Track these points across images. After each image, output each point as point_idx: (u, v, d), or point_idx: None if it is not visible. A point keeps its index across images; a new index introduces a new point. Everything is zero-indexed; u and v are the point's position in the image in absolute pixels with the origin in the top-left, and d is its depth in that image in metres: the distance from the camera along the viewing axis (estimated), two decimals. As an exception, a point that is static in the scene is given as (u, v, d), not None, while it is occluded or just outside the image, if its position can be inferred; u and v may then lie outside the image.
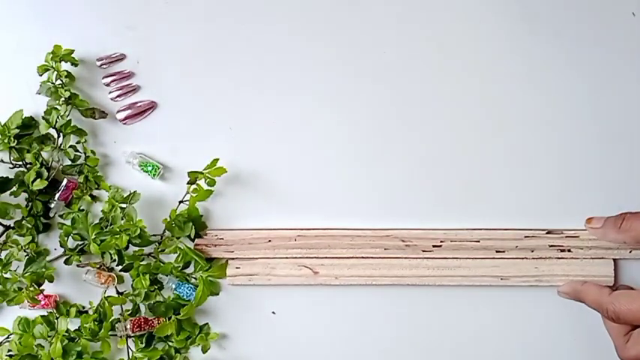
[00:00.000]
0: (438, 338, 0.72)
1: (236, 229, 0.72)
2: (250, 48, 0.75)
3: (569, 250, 0.71)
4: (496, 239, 0.71)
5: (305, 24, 0.75)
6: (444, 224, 0.72)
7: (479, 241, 0.71)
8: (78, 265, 0.70)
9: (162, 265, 0.70)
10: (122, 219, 0.69)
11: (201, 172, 0.70)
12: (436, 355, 0.72)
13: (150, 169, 0.72)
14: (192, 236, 0.70)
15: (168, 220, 0.70)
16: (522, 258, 0.71)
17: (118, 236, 0.67)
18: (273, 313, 0.72)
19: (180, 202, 0.71)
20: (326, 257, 0.72)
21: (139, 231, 0.68)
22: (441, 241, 0.72)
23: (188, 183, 0.70)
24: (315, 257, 0.72)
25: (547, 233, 0.71)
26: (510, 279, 0.71)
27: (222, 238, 0.72)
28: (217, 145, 0.73)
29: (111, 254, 0.69)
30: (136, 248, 0.70)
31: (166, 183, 0.73)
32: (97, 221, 0.70)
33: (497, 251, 0.71)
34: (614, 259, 0.71)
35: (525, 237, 0.71)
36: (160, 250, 0.70)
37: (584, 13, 0.75)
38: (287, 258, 0.72)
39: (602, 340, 0.70)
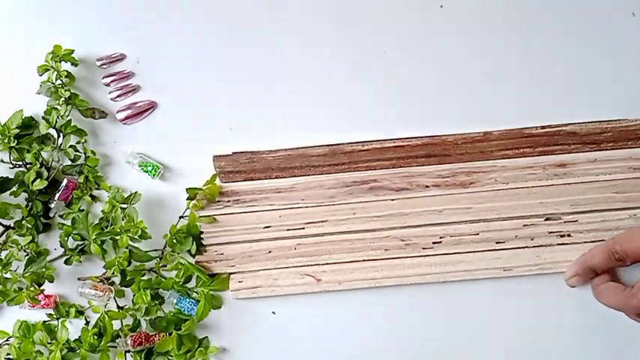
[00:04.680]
0: (445, 334, 0.72)
1: (235, 243, 0.71)
2: (250, 48, 0.75)
3: (568, 235, 0.71)
4: (495, 230, 0.71)
5: (305, 24, 0.75)
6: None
7: (478, 234, 0.71)
8: (79, 279, 0.70)
9: (163, 280, 0.70)
10: (123, 219, 0.68)
11: (200, 189, 0.70)
12: (445, 351, 0.72)
13: (150, 169, 0.72)
14: (193, 252, 0.70)
15: (169, 236, 0.69)
16: (523, 247, 0.71)
17: (121, 254, 0.68)
18: (273, 313, 0.72)
19: (181, 217, 0.71)
20: (327, 263, 0.71)
21: (140, 231, 0.67)
22: (441, 237, 0.72)
23: (187, 199, 0.70)
24: (316, 264, 0.71)
25: (545, 220, 0.71)
26: (513, 269, 0.71)
27: (222, 254, 0.71)
28: (217, 145, 0.73)
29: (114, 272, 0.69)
30: (137, 263, 0.70)
31: (166, 183, 0.73)
32: (97, 221, 0.70)
33: (497, 242, 0.71)
34: None
35: (524, 225, 0.71)
36: (161, 265, 0.70)
37: (584, 13, 0.75)
38: (288, 267, 0.71)
39: (609, 322, 0.70)
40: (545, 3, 0.75)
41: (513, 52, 0.74)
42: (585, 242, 0.71)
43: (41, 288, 0.68)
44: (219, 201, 0.72)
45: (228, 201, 0.72)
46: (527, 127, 0.72)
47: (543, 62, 0.74)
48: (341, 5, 0.75)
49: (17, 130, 0.71)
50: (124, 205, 0.69)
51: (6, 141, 0.70)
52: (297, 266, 0.71)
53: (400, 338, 0.72)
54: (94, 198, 0.72)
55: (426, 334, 0.72)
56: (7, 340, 0.69)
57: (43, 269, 0.68)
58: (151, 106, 0.74)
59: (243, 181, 0.72)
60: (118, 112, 0.74)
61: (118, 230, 0.68)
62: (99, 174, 0.72)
